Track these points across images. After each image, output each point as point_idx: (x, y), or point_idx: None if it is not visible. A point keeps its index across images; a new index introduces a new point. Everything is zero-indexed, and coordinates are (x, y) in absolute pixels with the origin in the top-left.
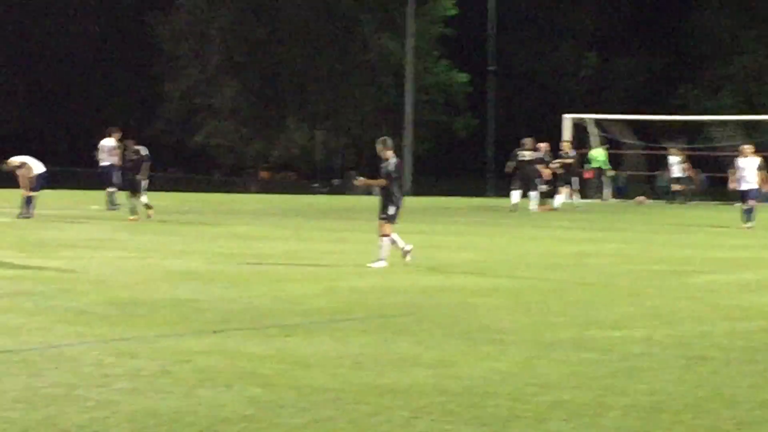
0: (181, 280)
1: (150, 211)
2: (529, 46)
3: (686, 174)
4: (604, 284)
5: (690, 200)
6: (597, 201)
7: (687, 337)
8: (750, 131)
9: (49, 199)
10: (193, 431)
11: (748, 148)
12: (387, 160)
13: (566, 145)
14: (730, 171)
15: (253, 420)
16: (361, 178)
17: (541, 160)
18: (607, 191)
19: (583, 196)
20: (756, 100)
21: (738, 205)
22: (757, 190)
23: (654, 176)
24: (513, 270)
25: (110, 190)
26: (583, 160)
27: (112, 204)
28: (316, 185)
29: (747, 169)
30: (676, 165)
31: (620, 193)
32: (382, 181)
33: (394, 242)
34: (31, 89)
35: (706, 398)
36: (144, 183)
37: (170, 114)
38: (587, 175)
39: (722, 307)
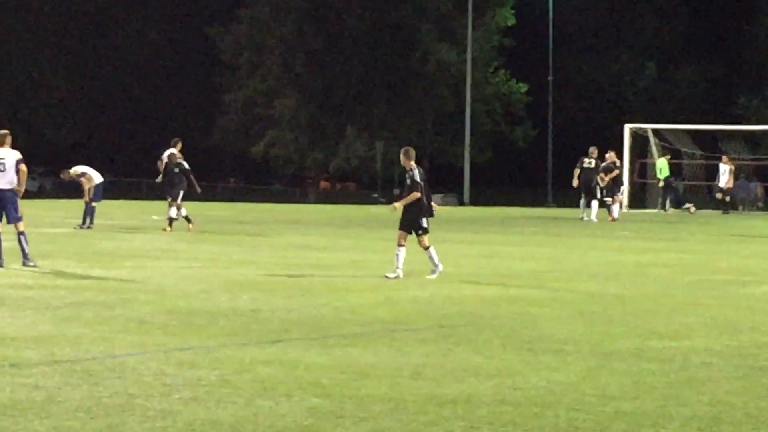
0: (241, 290)
1: (168, 227)
2: (588, 55)
3: (728, 185)
4: (664, 294)
5: (728, 211)
6: (659, 211)
7: (748, 347)
8: None
9: (110, 209)
10: None
11: None
12: (411, 170)
13: (613, 155)
14: None
15: (312, 430)
16: (395, 204)
17: (605, 169)
18: (667, 202)
19: (644, 206)
20: None
21: None
22: None
23: (711, 186)
24: (573, 280)
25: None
26: (643, 169)
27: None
28: (375, 195)
29: None
30: (724, 175)
31: (678, 203)
32: (416, 195)
33: (397, 256)
34: (94, 100)
35: (767, 409)
36: (180, 194)
37: (230, 124)
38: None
39: None
